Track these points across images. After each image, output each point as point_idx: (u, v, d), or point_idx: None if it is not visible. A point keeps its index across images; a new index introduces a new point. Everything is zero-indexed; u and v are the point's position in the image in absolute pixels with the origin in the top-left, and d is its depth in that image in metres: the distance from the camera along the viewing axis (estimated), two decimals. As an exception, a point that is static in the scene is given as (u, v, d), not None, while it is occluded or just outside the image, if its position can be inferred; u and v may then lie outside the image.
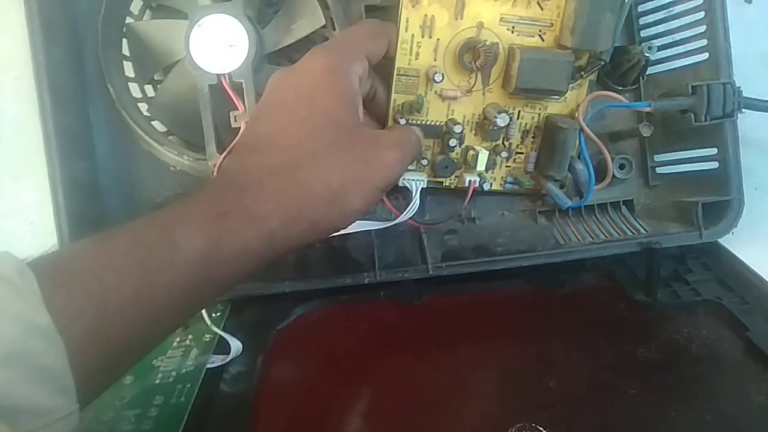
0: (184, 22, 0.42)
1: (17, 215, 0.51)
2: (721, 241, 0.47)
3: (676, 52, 0.47)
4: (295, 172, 0.32)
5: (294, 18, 0.45)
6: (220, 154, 0.41)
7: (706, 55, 0.45)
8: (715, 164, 0.46)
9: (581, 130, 0.43)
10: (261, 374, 0.42)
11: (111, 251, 0.28)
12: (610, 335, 0.43)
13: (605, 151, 0.44)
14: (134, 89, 0.47)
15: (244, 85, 0.41)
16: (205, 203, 0.31)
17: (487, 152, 0.43)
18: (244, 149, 0.35)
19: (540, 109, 0.44)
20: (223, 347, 0.43)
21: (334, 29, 0.45)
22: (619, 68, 0.47)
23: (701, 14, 0.45)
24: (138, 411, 0.38)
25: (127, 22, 0.46)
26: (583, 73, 0.43)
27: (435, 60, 0.42)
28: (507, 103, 0.44)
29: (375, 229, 0.45)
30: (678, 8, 0.47)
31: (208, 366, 0.41)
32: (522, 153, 0.46)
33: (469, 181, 0.43)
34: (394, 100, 0.43)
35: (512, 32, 0.42)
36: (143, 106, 0.47)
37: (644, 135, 0.46)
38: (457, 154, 0.44)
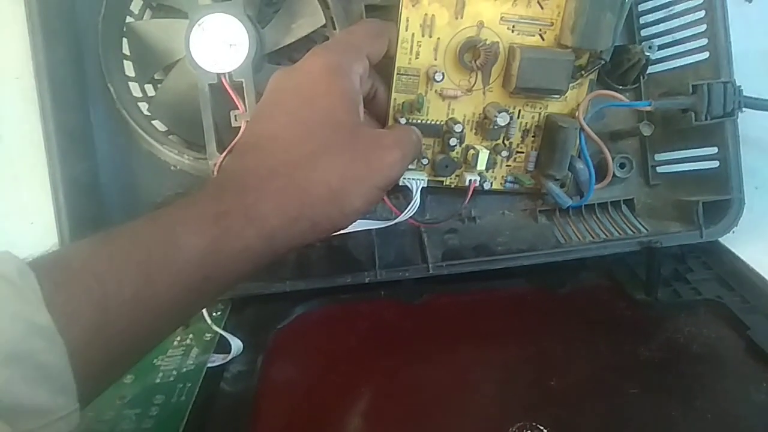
0: (184, 21, 0.42)
1: (17, 215, 0.50)
2: (721, 240, 0.47)
3: (676, 51, 0.47)
4: (296, 171, 0.32)
5: (294, 17, 0.45)
6: (221, 154, 0.41)
7: (706, 54, 0.45)
8: (715, 163, 0.46)
9: (582, 129, 0.43)
10: (261, 373, 0.42)
11: (111, 251, 0.28)
12: (610, 334, 0.43)
13: (605, 150, 0.45)
14: (134, 89, 0.47)
15: (244, 85, 0.41)
16: (205, 203, 0.31)
17: (488, 151, 0.43)
18: (244, 149, 0.35)
19: (540, 108, 0.44)
20: (223, 346, 0.43)
21: (335, 29, 0.45)
22: (619, 67, 0.47)
23: (701, 13, 0.45)
24: (139, 410, 0.38)
25: (127, 21, 0.46)
26: (583, 72, 0.43)
27: (435, 59, 0.42)
28: (507, 102, 0.44)
29: (375, 229, 0.45)
30: (678, 7, 0.47)
31: (209, 365, 0.41)
32: (522, 152, 0.46)
33: (470, 180, 0.43)
34: (395, 99, 0.43)
35: (512, 31, 0.42)
36: (143, 106, 0.47)
37: (645, 134, 0.46)
38: (457, 153, 0.44)
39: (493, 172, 0.46)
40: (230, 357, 0.43)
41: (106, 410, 0.38)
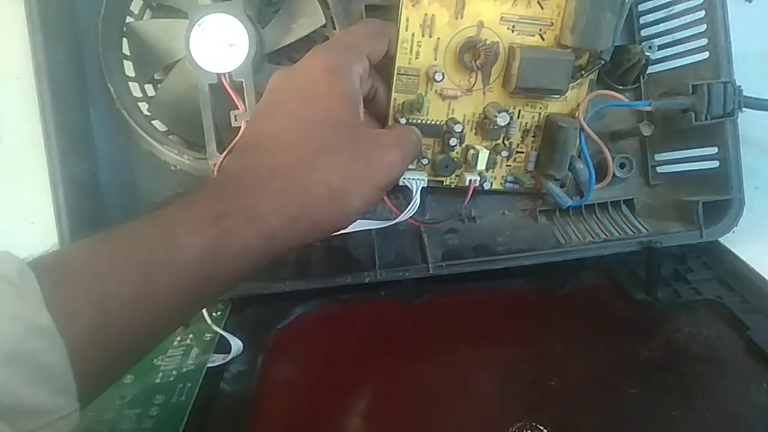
0: (184, 21, 0.42)
1: (17, 215, 0.50)
2: (721, 240, 0.47)
3: (676, 51, 0.47)
4: (296, 171, 0.32)
5: (294, 17, 0.45)
6: (221, 154, 0.41)
7: (706, 54, 0.45)
8: (715, 163, 0.46)
9: (582, 129, 0.43)
10: (261, 373, 0.42)
11: (111, 251, 0.28)
12: (610, 334, 0.43)
13: (605, 150, 0.45)
14: (134, 89, 0.47)
15: (244, 85, 0.41)
16: (205, 203, 0.31)
17: (488, 151, 0.43)
18: (244, 149, 0.35)
19: (540, 108, 0.44)
20: (223, 346, 0.43)
21: (335, 28, 0.45)
22: (619, 67, 0.47)
23: (701, 13, 0.45)
24: (139, 410, 0.38)
25: (127, 21, 0.46)
26: (583, 72, 0.43)
27: (435, 59, 0.42)
28: (507, 102, 0.44)
29: (375, 229, 0.45)
30: (678, 7, 0.47)
31: (209, 365, 0.41)
32: (522, 152, 0.46)
33: (470, 180, 0.43)
34: (395, 99, 0.43)
35: (512, 31, 0.42)
36: (143, 106, 0.47)
37: (645, 134, 0.46)
38: (457, 153, 0.44)
39: (493, 172, 0.46)
40: (230, 357, 0.43)
41: (106, 410, 0.38)
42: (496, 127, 0.42)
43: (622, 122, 0.49)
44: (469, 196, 0.44)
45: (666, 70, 0.48)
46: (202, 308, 0.43)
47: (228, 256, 0.30)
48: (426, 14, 0.41)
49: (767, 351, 0.38)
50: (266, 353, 0.43)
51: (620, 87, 0.48)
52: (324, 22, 0.44)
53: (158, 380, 0.40)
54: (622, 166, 0.48)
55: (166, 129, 0.48)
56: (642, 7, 0.49)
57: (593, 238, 0.48)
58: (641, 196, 0.50)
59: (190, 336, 0.45)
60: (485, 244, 0.48)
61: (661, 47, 0.46)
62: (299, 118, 0.34)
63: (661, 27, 0.48)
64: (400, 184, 0.41)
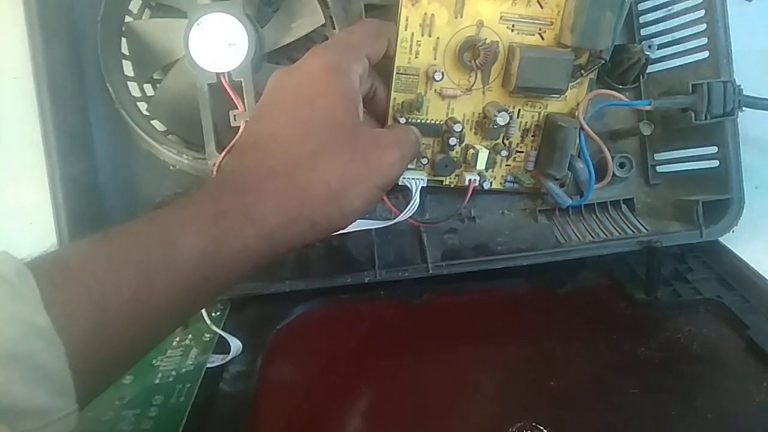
0: (183, 21, 0.42)
1: (16, 215, 0.50)
2: (721, 239, 0.47)
3: (676, 51, 0.47)
4: (295, 171, 0.32)
5: (293, 17, 0.45)
6: (220, 153, 0.41)
7: (706, 54, 0.45)
8: (715, 163, 0.46)
9: (581, 128, 0.43)
10: (261, 374, 0.41)
11: (110, 251, 0.28)
12: (610, 334, 0.43)
13: (605, 149, 0.44)
14: (133, 88, 0.47)
15: (243, 84, 0.41)
16: (204, 203, 0.31)
17: (487, 151, 0.43)
18: (243, 148, 0.35)
19: (540, 107, 0.44)
20: (222, 347, 0.43)
21: (334, 28, 0.45)
22: (619, 67, 0.47)
23: (701, 12, 0.45)
24: (138, 411, 0.38)
25: (126, 21, 0.46)
26: (583, 71, 0.43)
27: (435, 59, 0.42)
28: (507, 101, 0.44)
29: (375, 228, 0.45)
30: (678, 6, 0.46)
31: (208, 365, 0.41)
32: (522, 152, 0.46)
33: (469, 179, 0.43)
34: (394, 98, 0.42)
35: (512, 31, 0.42)
36: (142, 106, 0.47)
37: (644, 133, 0.46)
38: (457, 152, 0.44)
39: (492, 171, 0.46)
40: (229, 357, 0.43)
41: (105, 411, 0.38)
42: (495, 126, 0.42)
43: (621, 122, 0.49)
44: (469, 195, 0.44)
45: (666, 69, 0.48)
46: (202, 308, 0.43)
47: (227, 256, 0.30)
48: (425, 13, 0.41)
49: (767, 351, 0.38)
50: (266, 353, 0.43)
51: (620, 86, 0.48)
52: (323, 21, 0.44)
53: (157, 381, 0.40)
54: (621, 165, 0.48)
55: (165, 129, 0.48)
56: (642, 7, 0.49)
57: (593, 237, 0.47)
58: (641, 196, 0.50)
59: (189, 336, 0.45)
60: (485, 243, 0.48)
61: (660, 46, 0.46)
62: (299, 117, 0.33)
63: (661, 26, 0.48)
64: (400, 183, 0.41)
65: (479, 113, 0.44)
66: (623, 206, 0.50)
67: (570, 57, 0.41)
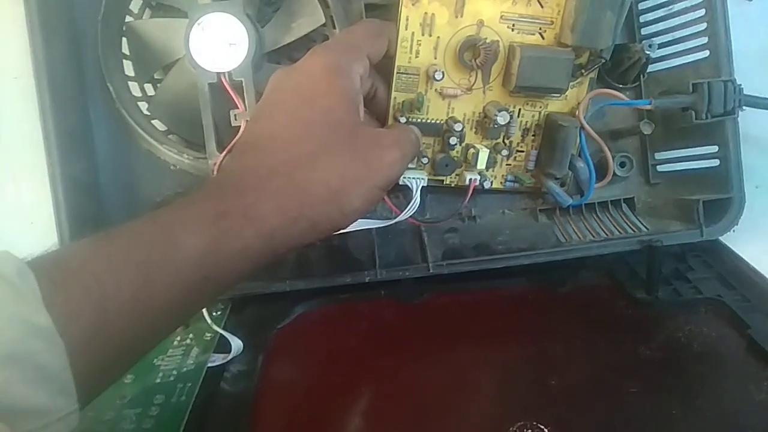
0: (183, 20, 0.42)
1: (17, 215, 0.50)
2: (722, 238, 0.47)
3: (676, 50, 0.47)
4: (295, 171, 0.32)
5: (294, 16, 0.45)
6: (220, 153, 0.41)
7: (706, 53, 0.45)
8: (716, 162, 0.46)
9: (582, 128, 0.43)
10: (261, 373, 0.41)
11: (110, 251, 0.28)
12: (611, 333, 0.43)
13: (606, 149, 0.44)
14: (134, 88, 0.47)
15: (244, 84, 0.41)
16: (205, 202, 0.31)
17: (488, 150, 0.43)
18: (244, 148, 0.35)
19: (540, 107, 0.44)
20: (223, 346, 0.43)
21: (334, 28, 0.45)
22: (619, 66, 0.47)
23: (702, 12, 0.45)
24: (139, 410, 0.38)
25: (126, 20, 0.46)
26: (583, 71, 0.43)
27: (435, 58, 0.42)
28: (507, 101, 0.44)
29: (375, 228, 0.45)
30: (678, 6, 0.46)
31: (209, 365, 0.41)
32: (522, 151, 0.46)
33: (470, 179, 0.43)
34: (395, 98, 0.42)
35: (512, 30, 0.42)
36: (143, 105, 0.47)
37: (645, 133, 0.46)
38: (457, 152, 0.44)
39: (493, 171, 0.46)
40: (230, 357, 0.43)
41: (106, 410, 0.38)
42: (496, 125, 0.42)
43: (622, 121, 0.49)
44: (469, 195, 0.44)
45: (666, 68, 0.48)
46: (202, 308, 0.43)
47: (227, 255, 0.30)
48: (426, 13, 0.41)
49: (767, 350, 0.38)
50: (266, 353, 0.43)
51: (620, 86, 0.48)
52: (323, 21, 0.44)
53: (158, 380, 0.40)
54: (622, 164, 0.48)
55: (166, 128, 0.48)
56: (642, 6, 0.49)
57: (593, 237, 0.47)
58: (641, 195, 0.50)
59: (190, 336, 0.45)
60: (485, 243, 0.48)
61: (661, 46, 0.46)
62: (299, 117, 0.33)
63: (661, 25, 0.48)
64: (400, 183, 0.41)
65: (480, 113, 0.44)
66: (624, 205, 0.49)
67: (570, 56, 0.41)
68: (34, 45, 0.43)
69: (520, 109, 0.44)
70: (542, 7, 0.41)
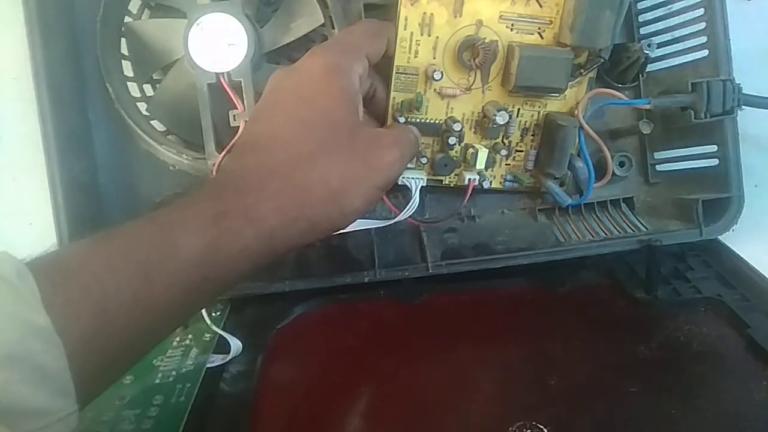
0: (182, 21, 0.42)
1: (16, 215, 0.50)
2: (721, 238, 0.47)
3: (675, 50, 0.47)
4: (295, 171, 0.32)
5: (293, 17, 0.45)
6: (220, 153, 0.41)
7: (705, 52, 0.45)
8: (715, 161, 0.46)
9: (581, 127, 0.43)
10: (261, 373, 0.41)
11: (110, 251, 0.28)
12: (610, 333, 0.43)
13: (605, 148, 0.44)
14: (133, 88, 0.47)
15: (243, 84, 0.41)
16: (204, 203, 0.31)
17: (487, 150, 0.43)
18: (243, 149, 0.35)
19: (539, 106, 0.44)
20: (223, 346, 0.43)
21: (333, 28, 0.45)
22: (618, 66, 0.47)
23: (701, 11, 0.45)
24: (138, 411, 0.38)
25: (125, 21, 0.46)
26: (582, 70, 0.43)
27: (434, 58, 0.42)
28: (506, 100, 0.44)
29: (375, 228, 0.45)
30: (677, 5, 0.46)
31: (208, 365, 0.41)
32: (522, 151, 0.46)
33: (469, 179, 0.43)
34: (394, 98, 0.42)
35: (511, 30, 0.42)
36: (142, 106, 0.47)
37: (644, 132, 0.46)
38: (456, 152, 0.44)
39: (492, 170, 0.46)
40: (230, 357, 0.43)
41: (105, 411, 0.38)
42: (495, 125, 0.42)
43: (621, 120, 0.49)
44: (469, 195, 0.44)
45: (665, 68, 0.48)
46: (202, 308, 0.43)
47: (227, 256, 0.30)
48: (425, 13, 0.41)
49: (767, 349, 0.38)
50: (266, 353, 0.43)
51: (619, 85, 0.48)
52: (323, 21, 0.44)
53: (157, 381, 0.40)
54: (621, 164, 0.48)
55: (165, 129, 0.48)
56: (641, 5, 0.49)
57: (593, 236, 0.47)
58: (641, 195, 0.50)
59: (190, 336, 0.45)
60: (485, 243, 0.48)
61: (660, 45, 0.46)
62: (298, 117, 0.33)
63: (660, 25, 0.48)
64: (400, 183, 0.41)
65: (479, 112, 0.44)
66: (623, 205, 0.49)
67: (569, 56, 0.41)
68: (33, 46, 0.43)
69: (519, 109, 0.44)
70: (541, 6, 0.41)
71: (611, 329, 0.44)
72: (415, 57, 0.42)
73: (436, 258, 0.47)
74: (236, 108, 0.41)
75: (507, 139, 0.45)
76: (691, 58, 0.46)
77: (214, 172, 0.41)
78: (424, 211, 0.48)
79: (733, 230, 0.46)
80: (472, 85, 0.43)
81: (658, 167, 0.49)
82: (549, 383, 0.38)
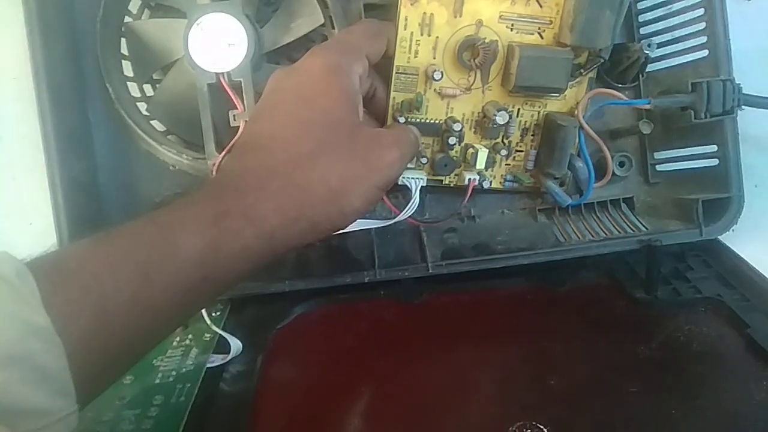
0: (182, 21, 0.42)
1: (16, 215, 0.50)
2: (721, 238, 0.47)
3: (675, 50, 0.47)
4: (295, 171, 0.32)
5: (293, 16, 0.45)
6: (220, 153, 0.41)
7: (705, 52, 0.45)
8: (715, 161, 0.46)
9: (581, 127, 0.43)
10: (261, 373, 0.41)
11: (110, 251, 0.28)
12: (610, 333, 0.43)
13: (605, 148, 0.44)
14: (133, 88, 0.47)
15: (243, 84, 0.41)
16: (204, 203, 0.31)
17: (487, 150, 0.43)
18: (243, 149, 0.35)
19: (539, 106, 0.44)
20: (223, 346, 0.43)
21: (333, 28, 0.45)
22: (618, 66, 0.47)
23: (701, 11, 0.45)
24: (138, 411, 0.38)
25: (125, 21, 0.46)
26: (582, 70, 0.43)
27: (434, 58, 0.42)
28: (506, 100, 0.44)
29: (375, 228, 0.45)
30: (677, 5, 0.46)
31: (208, 365, 0.41)
32: (522, 151, 0.46)
33: (469, 179, 0.43)
34: (394, 98, 0.42)
35: (511, 30, 0.42)
36: (142, 106, 0.47)
37: (644, 132, 0.46)
38: (456, 152, 0.44)
39: (492, 170, 0.46)
40: (230, 357, 0.43)
41: (105, 411, 0.38)
42: (495, 125, 0.42)
43: (621, 120, 0.49)
44: (469, 195, 0.44)
45: (665, 68, 0.48)
46: (201, 308, 0.43)
47: (227, 256, 0.30)
48: (425, 13, 0.41)
49: (767, 349, 0.38)
50: (266, 353, 0.43)
51: (619, 85, 0.48)
52: (323, 21, 0.44)
53: (157, 381, 0.40)
54: (621, 164, 0.48)
55: (165, 129, 0.48)
56: (641, 5, 0.49)
57: (593, 236, 0.47)
58: (641, 195, 0.50)
59: (190, 336, 0.45)
60: (485, 243, 0.48)
61: (660, 45, 0.46)
62: (298, 117, 0.33)
63: (660, 25, 0.48)
64: (400, 183, 0.41)
65: (479, 112, 0.44)
66: (623, 205, 0.49)
67: (569, 56, 0.41)
68: (33, 46, 0.43)
69: (519, 109, 0.44)
70: (541, 6, 0.41)
71: (611, 329, 0.44)
72: (415, 57, 0.42)
73: (436, 258, 0.47)
74: (236, 108, 0.41)
75: (507, 139, 0.45)
76: (691, 58, 0.46)
77: (214, 172, 0.41)
78: (424, 211, 0.48)
79: (733, 230, 0.46)
80: (472, 85, 0.43)
81: (658, 167, 0.49)
82: (549, 383, 0.38)
